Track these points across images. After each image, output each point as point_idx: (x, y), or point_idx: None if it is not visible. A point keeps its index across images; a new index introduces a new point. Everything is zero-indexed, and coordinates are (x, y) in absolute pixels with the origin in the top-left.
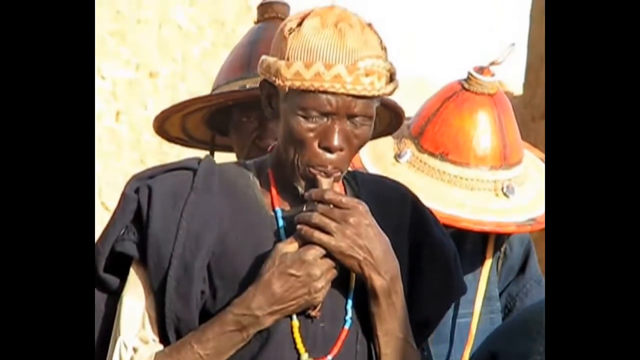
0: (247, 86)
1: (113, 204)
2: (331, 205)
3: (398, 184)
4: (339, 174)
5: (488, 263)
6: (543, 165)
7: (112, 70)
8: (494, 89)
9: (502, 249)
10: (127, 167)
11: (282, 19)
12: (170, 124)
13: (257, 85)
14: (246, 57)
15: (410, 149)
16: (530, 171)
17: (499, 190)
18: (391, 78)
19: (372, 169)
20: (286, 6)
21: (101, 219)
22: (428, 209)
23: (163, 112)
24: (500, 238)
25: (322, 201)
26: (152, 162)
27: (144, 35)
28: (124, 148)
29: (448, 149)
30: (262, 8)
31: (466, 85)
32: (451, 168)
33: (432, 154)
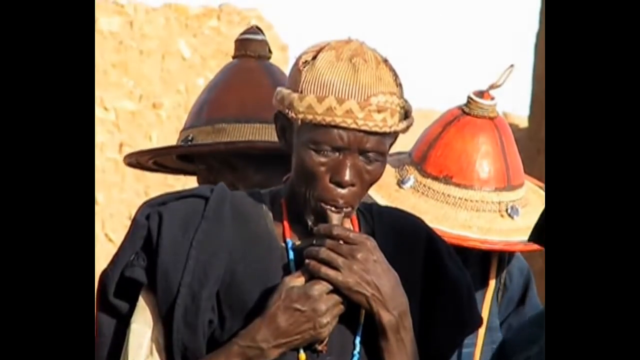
0: (191, 136)
1: (116, 235)
2: (340, 241)
3: (415, 217)
4: (349, 209)
5: (490, 292)
6: (541, 192)
7: (115, 102)
8: (494, 112)
9: (502, 280)
10: (131, 199)
11: (254, 57)
12: (144, 162)
13: (202, 134)
14: (200, 103)
15: (413, 175)
16: (531, 195)
17: (504, 211)
18: (406, 115)
19: (375, 196)
20: (263, 43)
21: (105, 250)
22: (444, 241)
23: (125, 158)
24: (502, 263)
25: (331, 236)
26: (156, 193)
27: (147, 67)
28: (128, 179)
29: (451, 171)
30: (237, 43)
31: (467, 110)
32: (455, 191)
33: (435, 178)
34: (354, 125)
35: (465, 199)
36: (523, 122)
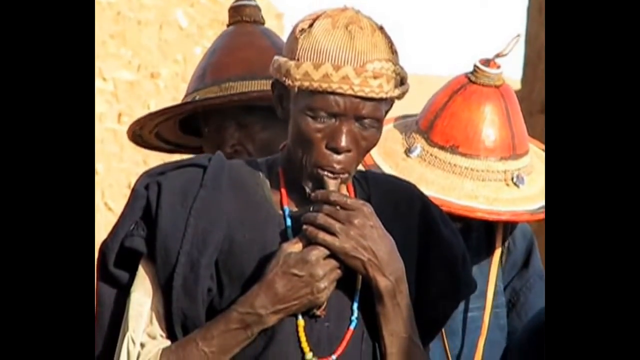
0: (197, 97)
1: (116, 204)
2: (337, 207)
3: (409, 183)
4: (346, 175)
5: (497, 256)
6: (544, 155)
7: (113, 72)
8: (500, 81)
9: (506, 244)
10: (130, 168)
11: (250, 22)
12: (147, 134)
13: (208, 95)
14: (202, 68)
15: (420, 144)
16: (535, 161)
17: (509, 180)
18: (401, 82)
19: (383, 165)
20: (256, 8)
21: (105, 219)
22: (438, 208)
23: (130, 127)
24: (507, 230)
25: (328, 202)
26: (155, 162)
27: (145, 37)
28: (127, 149)
29: (458, 141)
30: (231, 11)
31: (473, 78)
32: (462, 160)
33: (442, 147)
34: (350, 91)
35: (471, 169)
36: (515, 85)
